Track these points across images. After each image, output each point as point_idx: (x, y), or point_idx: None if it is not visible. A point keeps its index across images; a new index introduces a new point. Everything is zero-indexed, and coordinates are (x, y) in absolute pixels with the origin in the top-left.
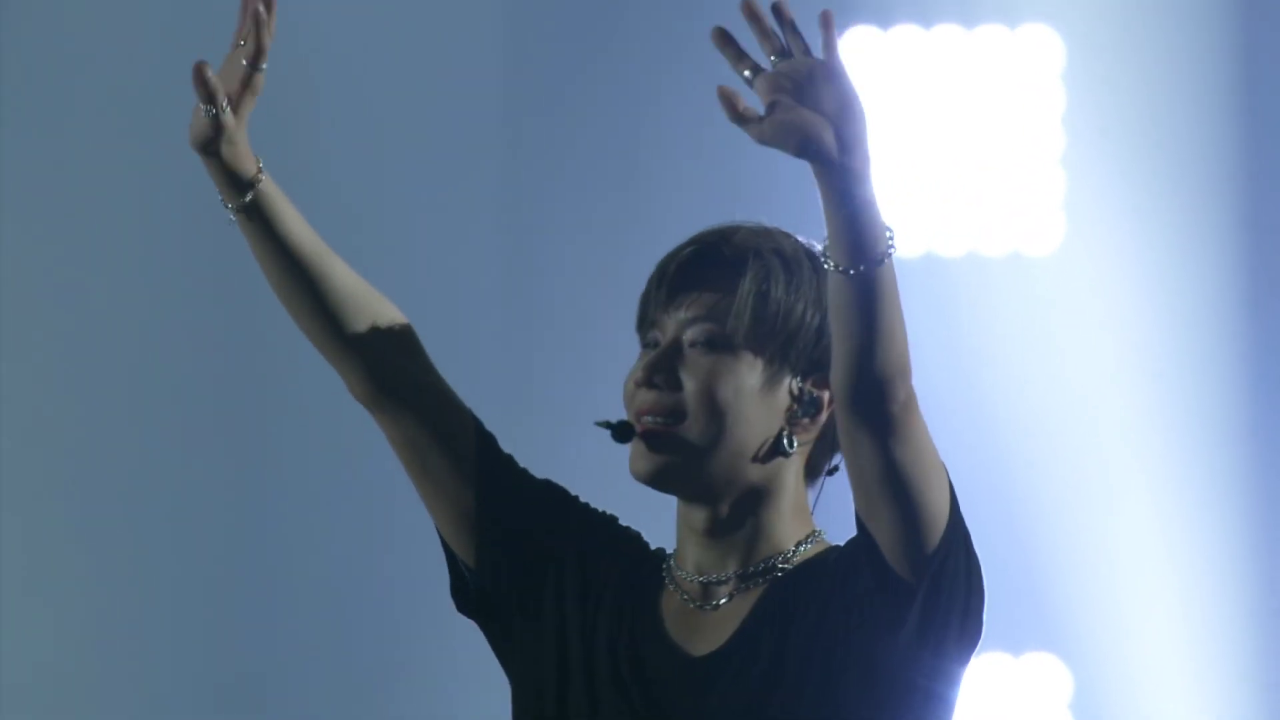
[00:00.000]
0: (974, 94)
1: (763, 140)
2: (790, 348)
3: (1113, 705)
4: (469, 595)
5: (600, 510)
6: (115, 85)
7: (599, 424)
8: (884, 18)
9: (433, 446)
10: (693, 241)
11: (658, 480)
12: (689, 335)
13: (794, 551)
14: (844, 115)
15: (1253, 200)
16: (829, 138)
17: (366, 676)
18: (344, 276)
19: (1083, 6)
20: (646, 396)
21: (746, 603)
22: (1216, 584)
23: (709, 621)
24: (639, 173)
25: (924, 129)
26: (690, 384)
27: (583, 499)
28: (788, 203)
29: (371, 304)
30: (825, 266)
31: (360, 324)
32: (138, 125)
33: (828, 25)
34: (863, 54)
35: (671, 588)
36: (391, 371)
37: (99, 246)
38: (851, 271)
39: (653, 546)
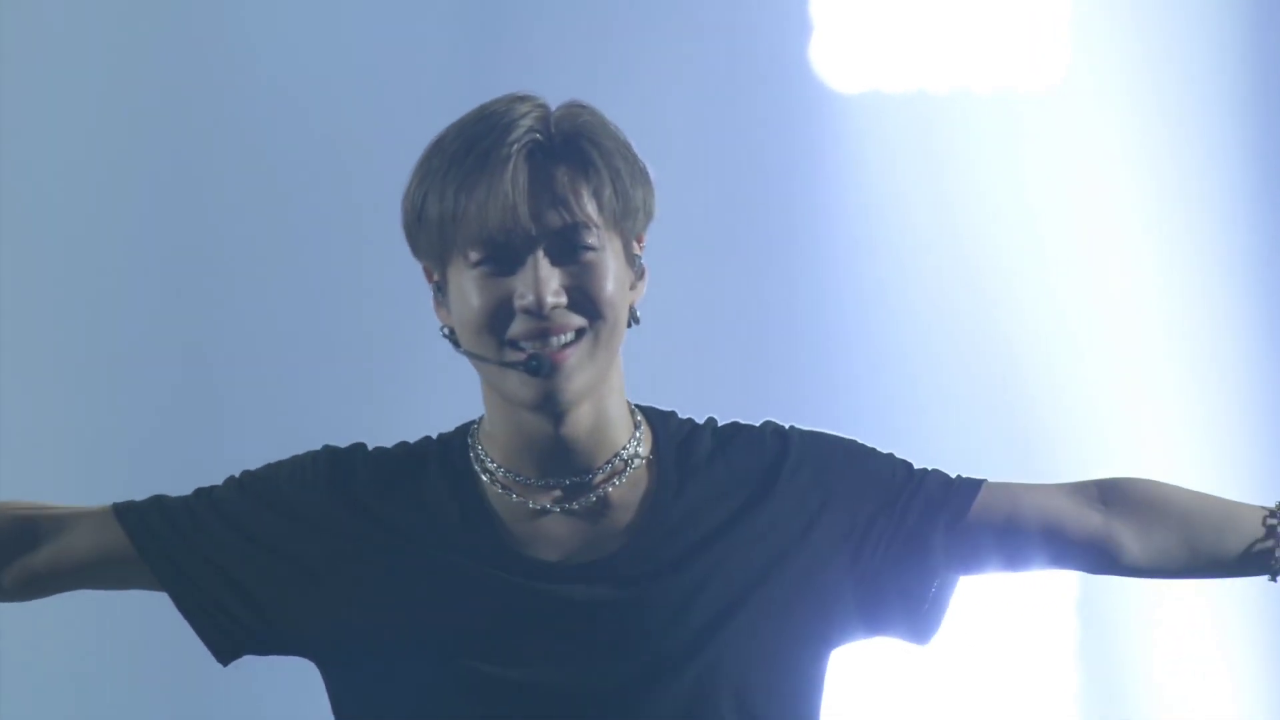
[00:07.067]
0: None
1: None
2: (635, 218)
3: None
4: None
5: (250, 474)
6: (112, 84)
7: (509, 364)
8: None
9: (120, 578)
10: (501, 141)
11: (578, 402)
12: (573, 237)
13: (635, 436)
14: None
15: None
16: None
17: None
18: None
19: None
20: (562, 317)
21: (631, 494)
22: (1235, 425)
23: (578, 522)
24: None
25: None
26: (589, 287)
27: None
28: (750, 197)
29: None
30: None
31: None
32: (133, 123)
33: None
34: None
35: (508, 495)
36: (27, 567)
37: (94, 246)
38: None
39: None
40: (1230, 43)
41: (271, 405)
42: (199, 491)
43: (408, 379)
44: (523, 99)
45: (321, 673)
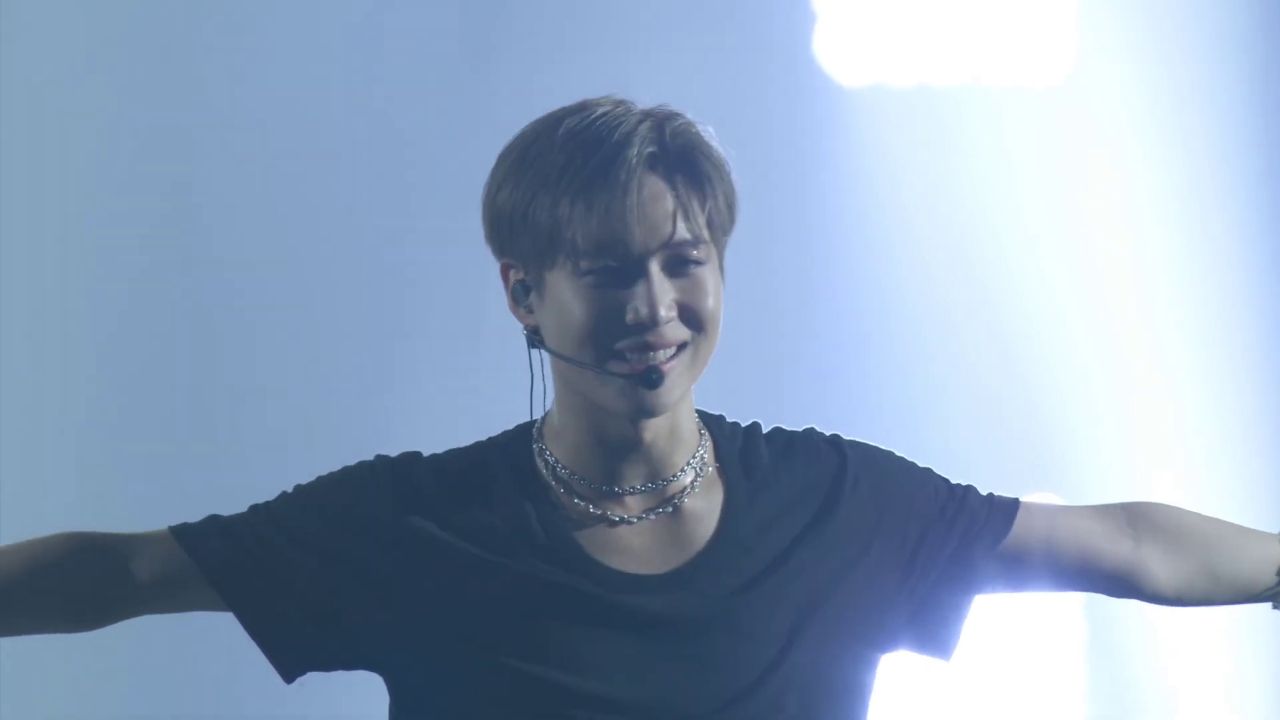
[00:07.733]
0: None
1: None
2: (730, 230)
3: None
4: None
5: (307, 489)
6: (112, 84)
7: (620, 376)
8: None
9: (182, 601)
10: (620, 152)
11: (668, 411)
12: (685, 252)
13: (701, 443)
14: None
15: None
16: None
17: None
18: (11, 586)
19: None
20: (672, 331)
21: (705, 504)
22: (1246, 428)
23: (654, 531)
24: None
25: None
26: (697, 302)
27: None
28: (752, 189)
29: (48, 573)
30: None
31: (50, 599)
32: (134, 122)
33: None
34: None
35: (583, 504)
36: (98, 596)
37: (92, 245)
38: None
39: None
40: (1239, 38)
41: (277, 409)
42: (254, 508)
43: (418, 382)
44: (623, 102)
45: (387, 683)
